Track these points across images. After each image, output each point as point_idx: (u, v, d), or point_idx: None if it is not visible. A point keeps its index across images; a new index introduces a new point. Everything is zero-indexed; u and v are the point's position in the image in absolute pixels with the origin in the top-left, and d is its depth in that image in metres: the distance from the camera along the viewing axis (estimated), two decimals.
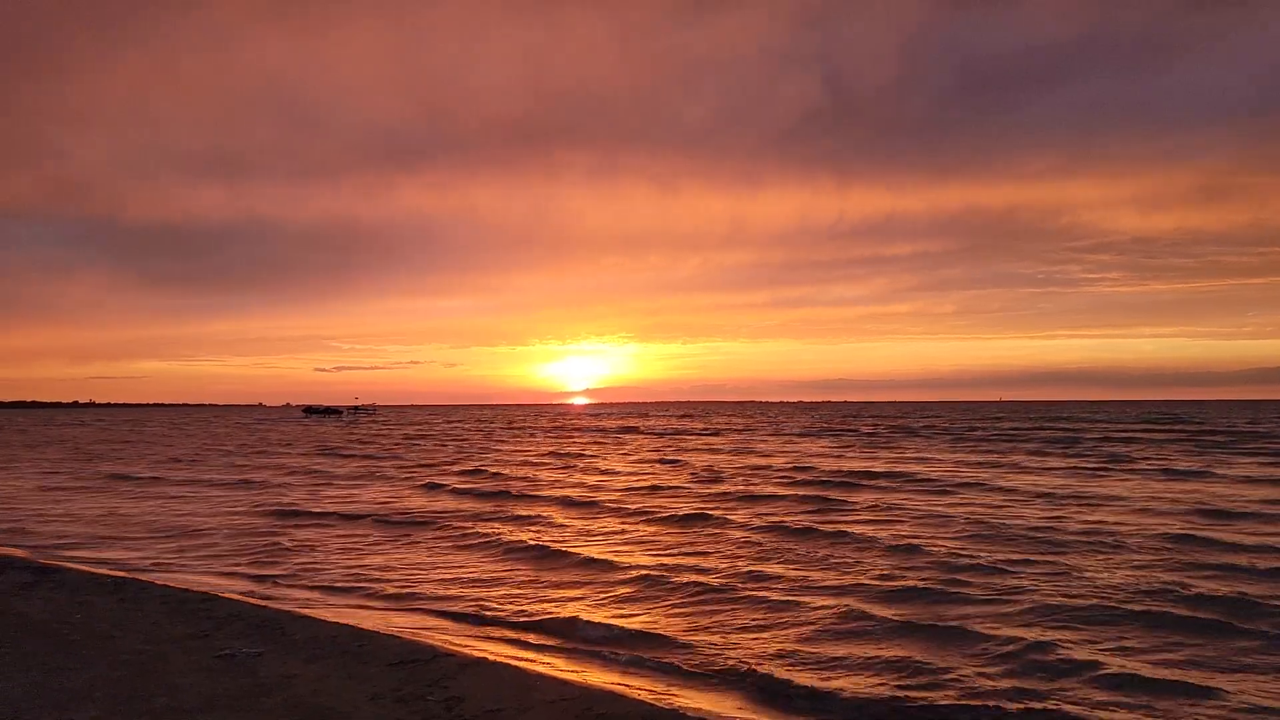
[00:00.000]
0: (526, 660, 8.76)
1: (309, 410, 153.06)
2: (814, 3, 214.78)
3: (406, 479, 29.79)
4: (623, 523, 18.76)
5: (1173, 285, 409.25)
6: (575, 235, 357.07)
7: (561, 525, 18.47)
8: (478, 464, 36.42)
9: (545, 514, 20.08)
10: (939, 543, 15.23)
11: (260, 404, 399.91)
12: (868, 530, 16.63)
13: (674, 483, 27.08)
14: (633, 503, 21.91)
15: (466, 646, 9.13)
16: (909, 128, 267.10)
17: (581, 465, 35.49)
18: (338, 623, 9.90)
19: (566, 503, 22.33)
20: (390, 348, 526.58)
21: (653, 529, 17.88)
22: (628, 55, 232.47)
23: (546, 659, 8.98)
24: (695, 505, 21.04)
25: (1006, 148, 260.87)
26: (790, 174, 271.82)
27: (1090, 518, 18.04)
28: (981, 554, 14.04)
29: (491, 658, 8.54)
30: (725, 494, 23.65)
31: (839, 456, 38.15)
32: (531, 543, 15.80)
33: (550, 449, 47.77)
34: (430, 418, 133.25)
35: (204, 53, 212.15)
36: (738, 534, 16.82)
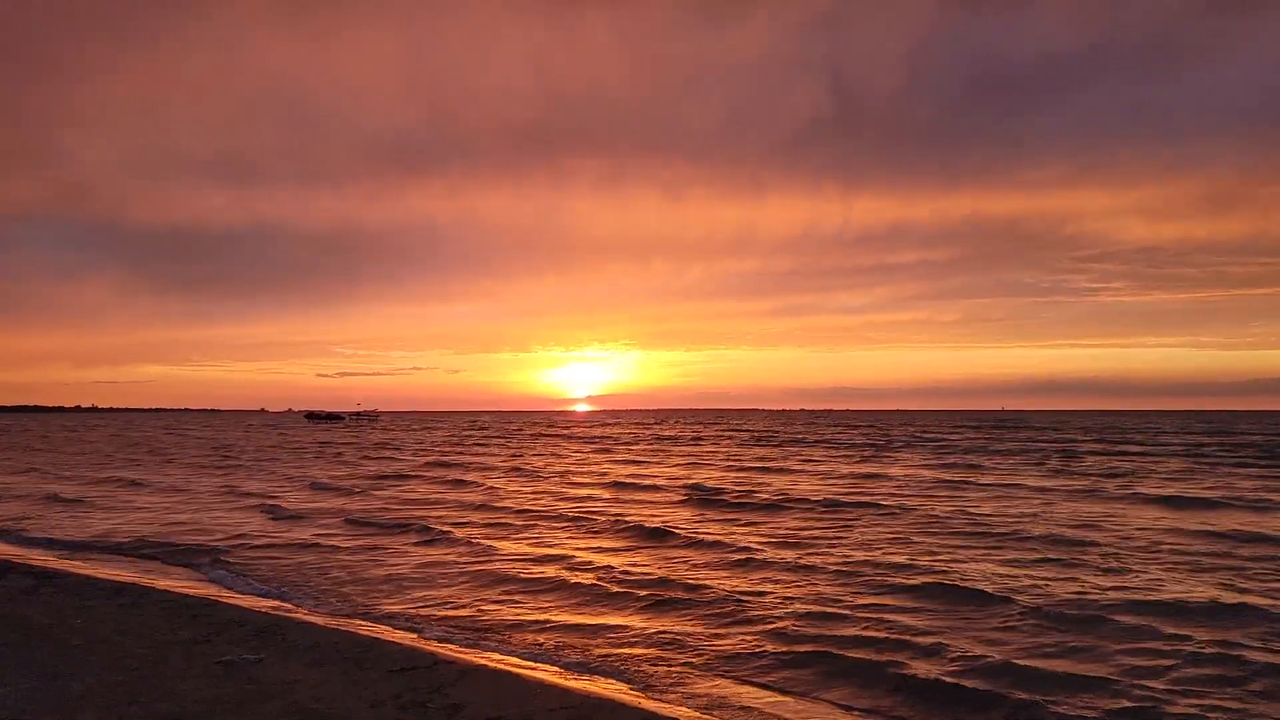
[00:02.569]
0: (527, 667, 8.75)
1: (311, 416, 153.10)
2: (821, 9, 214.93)
3: (235, 493, 27.55)
4: (379, 541, 17.74)
5: (1177, 295, 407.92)
6: (581, 241, 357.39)
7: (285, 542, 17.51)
8: (348, 472, 35.51)
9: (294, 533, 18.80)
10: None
11: (263, 409, 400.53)
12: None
13: (513, 503, 24.22)
14: (452, 519, 20.46)
15: (467, 653, 9.12)
16: (916, 135, 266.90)
17: (470, 479, 32.12)
18: (339, 629, 9.89)
19: (354, 521, 20.69)
20: (394, 353, 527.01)
21: (399, 544, 17.31)
22: (635, 61, 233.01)
23: (547, 666, 8.97)
24: (484, 523, 19.95)
25: (1013, 156, 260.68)
26: (797, 181, 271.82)
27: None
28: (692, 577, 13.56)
29: (492, 665, 8.54)
30: (539, 512, 22.05)
31: (774, 470, 35.83)
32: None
33: (470, 459, 44.70)
34: (412, 424, 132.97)
35: (211, 56, 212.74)
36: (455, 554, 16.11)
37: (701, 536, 17.47)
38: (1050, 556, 14.97)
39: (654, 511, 22.07)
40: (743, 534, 18.07)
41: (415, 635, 10.05)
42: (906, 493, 25.91)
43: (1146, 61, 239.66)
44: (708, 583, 13.00)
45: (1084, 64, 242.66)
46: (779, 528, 19.09)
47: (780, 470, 35.70)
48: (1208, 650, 9.32)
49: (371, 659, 8.49)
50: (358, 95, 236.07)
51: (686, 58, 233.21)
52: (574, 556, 15.47)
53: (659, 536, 17.78)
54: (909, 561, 14.46)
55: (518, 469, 37.42)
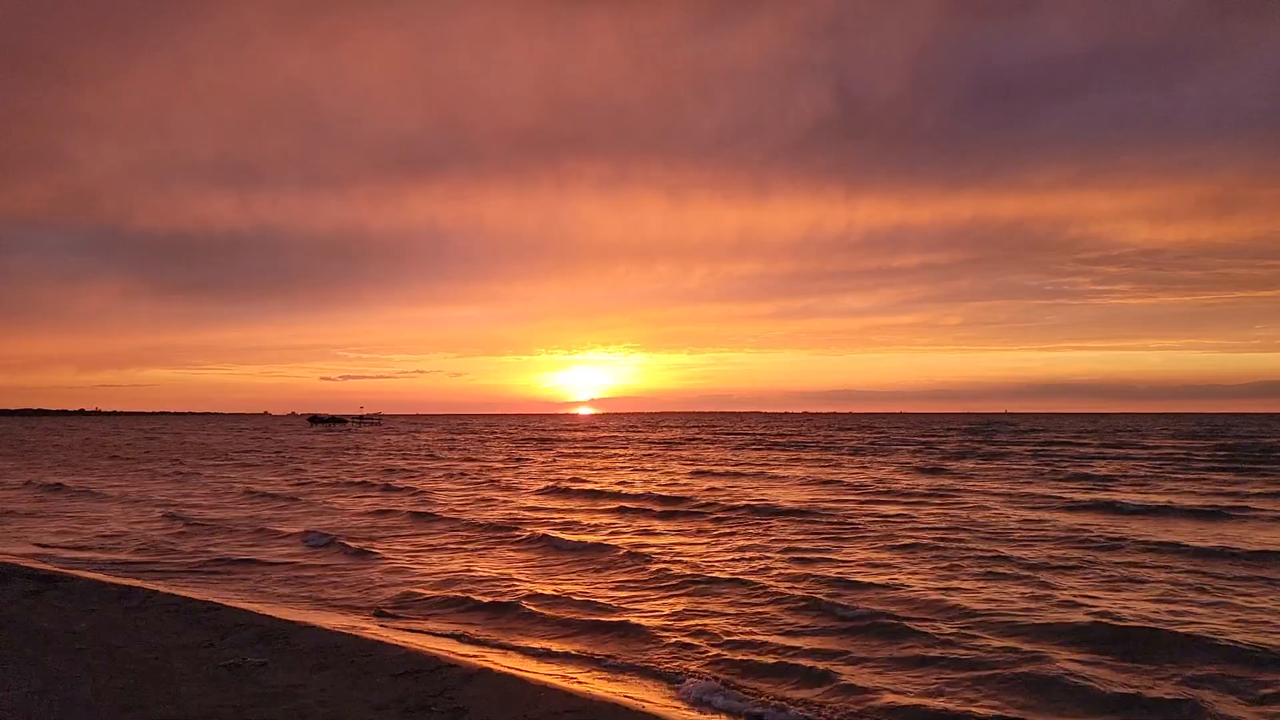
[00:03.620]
0: (531, 671, 8.73)
1: (315, 419, 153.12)
2: (826, 14, 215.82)
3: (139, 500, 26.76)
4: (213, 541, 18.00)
5: (1181, 298, 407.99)
6: (585, 245, 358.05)
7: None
8: (293, 478, 35.07)
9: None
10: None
11: (266, 412, 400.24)
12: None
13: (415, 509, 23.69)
14: (359, 530, 19.88)
15: (472, 657, 9.11)
16: (920, 139, 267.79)
17: (412, 486, 31.02)
18: (343, 632, 9.87)
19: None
20: (396, 357, 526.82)
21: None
22: (641, 65, 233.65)
23: (551, 669, 8.96)
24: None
25: (1017, 159, 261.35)
26: (800, 184, 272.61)
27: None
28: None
29: (496, 668, 8.52)
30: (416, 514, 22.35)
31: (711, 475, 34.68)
32: None
33: (431, 465, 43.33)
34: (400, 428, 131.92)
35: (219, 61, 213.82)
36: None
37: (616, 545, 16.73)
38: (976, 570, 14.08)
39: (583, 519, 21.36)
40: (666, 544, 17.32)
41: (420, 639, 10.03)
42: (861, 499, 25.20)
43: (1150, 65, 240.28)
44: (600, 600, 12.34)
45: (1088, 68, 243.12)
46: (714, 539, 18.16)
47: (752, 475, 34.88)
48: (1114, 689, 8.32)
49: (375, 663, 8.47)
50: (364, 100, 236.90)
51: (691, 62, 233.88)
52: (467, 570, 14.72)
53: (563, 549, 16.95)
54: (831, 576, 13.60)
55: (469, 475, 35.90)
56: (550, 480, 33.08)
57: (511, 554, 16.75)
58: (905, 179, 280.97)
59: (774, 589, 12.71)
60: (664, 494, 27.13)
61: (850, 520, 20.58)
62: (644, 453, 54.44)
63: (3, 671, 8.11)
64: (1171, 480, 32.01)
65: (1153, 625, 10.48)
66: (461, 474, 36.74)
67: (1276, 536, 17.89)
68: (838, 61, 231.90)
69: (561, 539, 17.81)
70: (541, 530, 19.09)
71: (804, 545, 17.05)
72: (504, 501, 25.86)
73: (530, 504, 25.35)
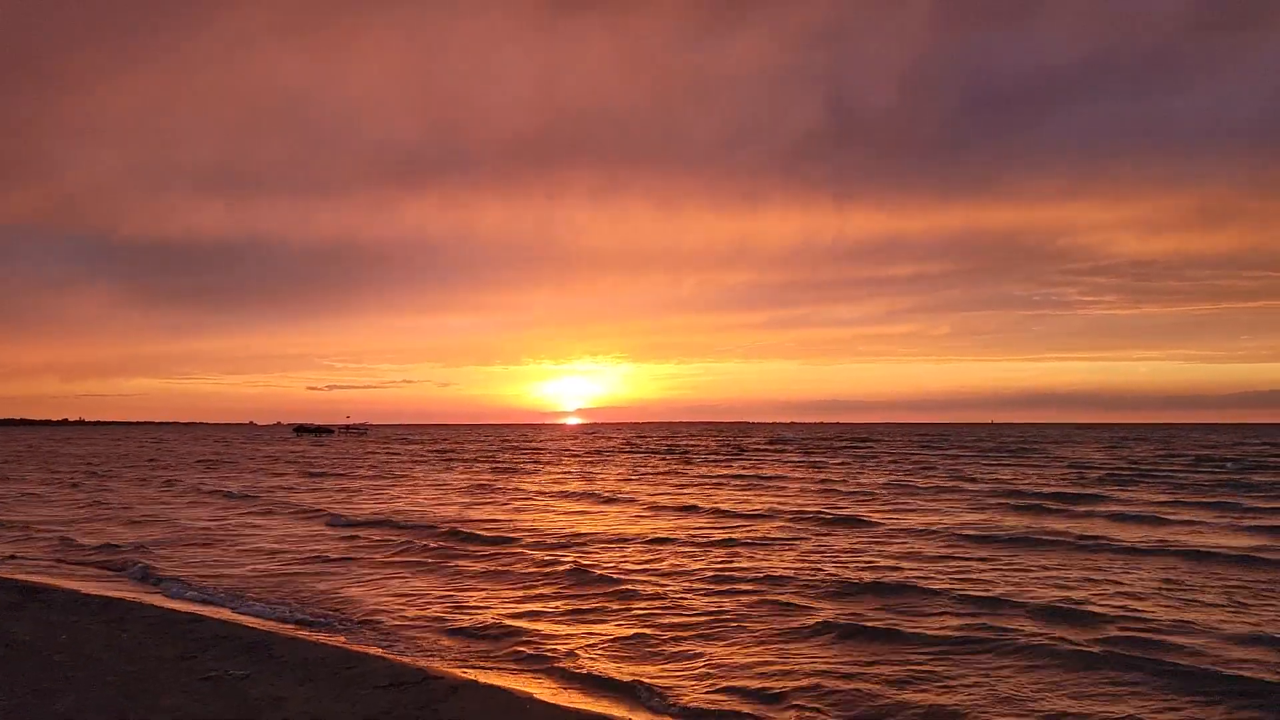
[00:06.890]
0: (516, 683, 8.72)
1: (300, 429, 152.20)
2: (820, 23, 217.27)
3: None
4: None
5: (1168, 308, 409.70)
6: (576, 254, 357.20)
7: None
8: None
9: None
10: None
11: (251, 422, 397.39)
12: None
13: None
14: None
15: (457, 669, 9.08)
16: (912, 149, 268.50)
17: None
18: (327, 644, 9.82)
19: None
20: (383, 366, 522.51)
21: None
22: (635, 73, 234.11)
23: (537, 681, 8.94)
24: None
25: (1009, 170, 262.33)
26: (792, 194, 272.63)
27: None
28: None
29: (482, 681, 8.50)
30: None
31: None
32: None
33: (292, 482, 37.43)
34: (380, 438, 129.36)
35: (214, 68, 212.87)
36: None
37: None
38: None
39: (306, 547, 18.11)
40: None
41: (407, 652, 9.99)
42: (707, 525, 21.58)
43: (1142, 76, 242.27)
44: None
45: (1080, 78, 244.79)
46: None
47: (606, 498, 29.19)
48: None
49: (360, 675, 8.43)
50: (361, 108, 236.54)
51: (686, 70, 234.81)
52: None
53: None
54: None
55: (296, 500, 28.95)
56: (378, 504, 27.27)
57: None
58: (897, 189, 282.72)
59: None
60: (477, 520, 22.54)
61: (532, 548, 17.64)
62: (571, 468, 48.67)
63: None
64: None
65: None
66: (294, 503, 28.17)
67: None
68: (831, 70, 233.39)
69: (161, 572, 14.88)
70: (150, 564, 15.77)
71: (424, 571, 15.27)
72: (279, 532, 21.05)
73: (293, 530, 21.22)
